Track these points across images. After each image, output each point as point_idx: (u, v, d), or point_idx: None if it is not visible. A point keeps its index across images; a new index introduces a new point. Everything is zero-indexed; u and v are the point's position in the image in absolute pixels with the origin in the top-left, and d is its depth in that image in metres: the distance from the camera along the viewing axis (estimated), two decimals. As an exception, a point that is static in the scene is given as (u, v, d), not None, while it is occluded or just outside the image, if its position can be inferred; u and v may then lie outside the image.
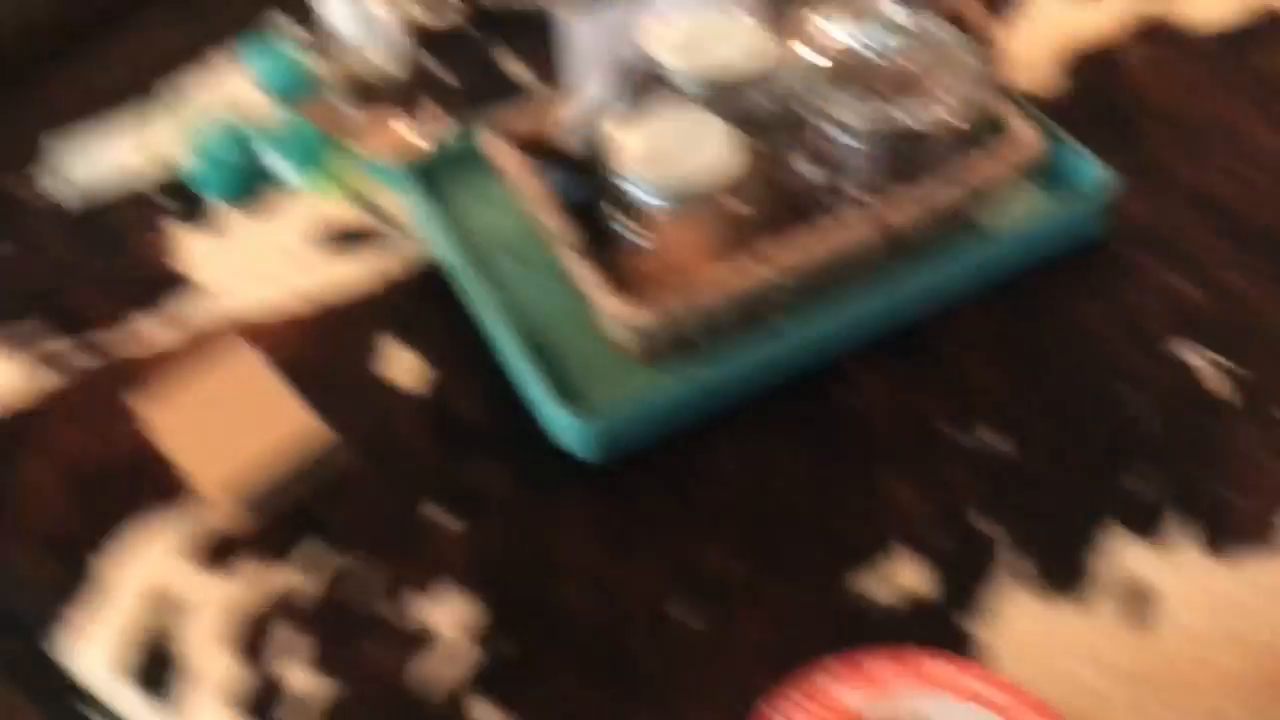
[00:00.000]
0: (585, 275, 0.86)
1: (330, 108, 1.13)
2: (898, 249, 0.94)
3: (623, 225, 0.87)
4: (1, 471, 0.91)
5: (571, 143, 0.94)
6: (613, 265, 0.87)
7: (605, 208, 0.87)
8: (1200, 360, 0.90)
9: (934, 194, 0.89)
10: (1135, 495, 0.83)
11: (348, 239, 1.05)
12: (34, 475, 0.90)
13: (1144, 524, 0.81)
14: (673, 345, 0.88)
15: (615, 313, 0.83)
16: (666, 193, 0.83)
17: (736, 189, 0.87)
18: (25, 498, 0.89)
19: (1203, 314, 0.94)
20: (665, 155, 0.84)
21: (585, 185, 0.91)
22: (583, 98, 0.94)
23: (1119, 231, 0.99)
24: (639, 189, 0.84)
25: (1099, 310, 0.94)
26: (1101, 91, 1.12)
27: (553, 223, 0.88)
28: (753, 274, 0.85)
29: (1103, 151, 0.99)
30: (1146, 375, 0.90)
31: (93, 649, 0.81)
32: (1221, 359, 0.90)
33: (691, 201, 0.85)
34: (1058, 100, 1.10)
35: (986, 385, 0.90)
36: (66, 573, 0.84)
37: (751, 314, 0.89)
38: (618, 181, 0.85)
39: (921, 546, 0.81)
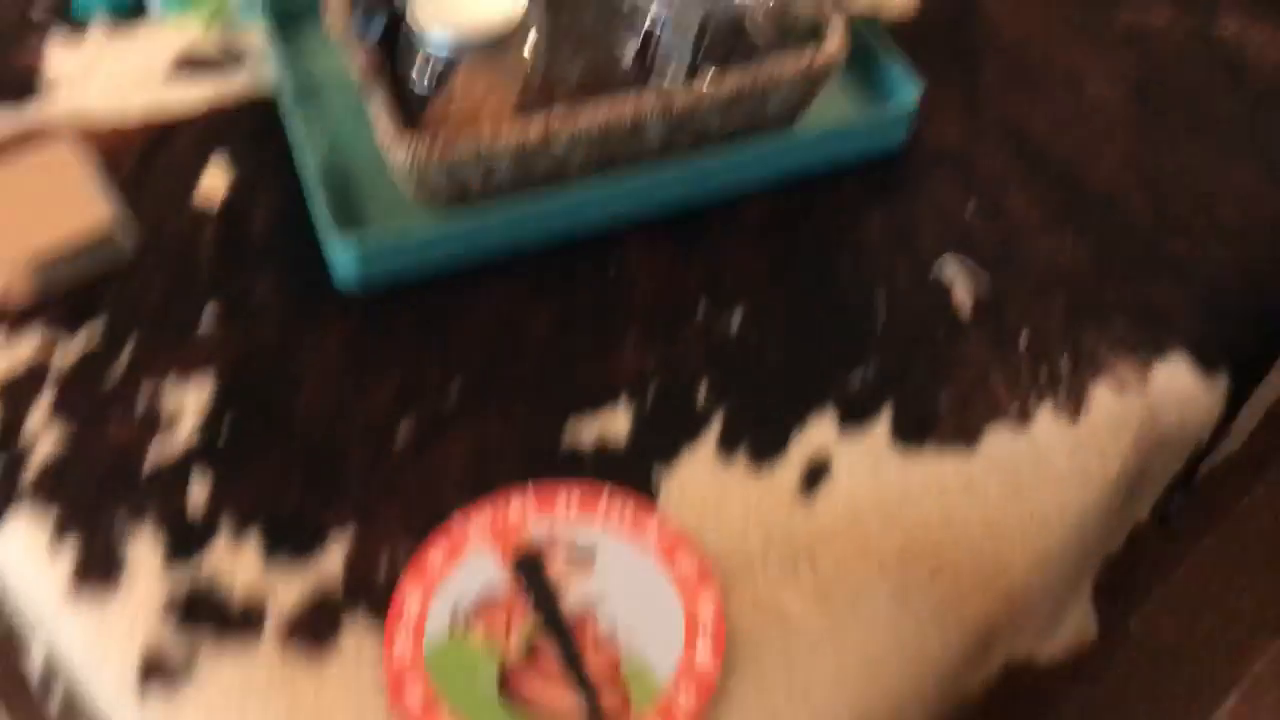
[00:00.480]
0: (377, 114, 0.90)
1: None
2: (695, 133, 0.98)
3: (418, 73, 0.91)
4: None
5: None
6: (410, 111, 0.92)
7: (403, 54, 0.92)
8: (957, 275, 0.94)
9: (726, 81, 0.93)
10: (854, 388, 0.87)
11: (203, 66, 1.10)
12: None
13: (852, 413, 0.85)
14: (452, 191, 0.93)
15: (392, 151, 0.88)
16: (451, 42, 0.88)
17: (532, 48, 0.91)
18: None
19: (973, 232, 0.97)
20: (455, 6, 0.88)
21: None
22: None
23: (924, 150, 1.02)
24: (427, 37, 0.88)
25: (879, 219, 0.98)
26: (954, 17, 1.14)
27: (353, 62, 0.93)
28: (531, 130, 0.89)
29: (935, 74, 1.02)
30: (904, 284, 0.93)
31: None
32: (978, 277, 0.94)
33: (480, 54, 0.89)
34: (907, 19, 1.13)
35: (751, 275, 0.94)
36: None
37: (531, 171, 0.93)
38: (413, 29, 0.90)
39: (639, 404, 0.86)
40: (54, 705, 0.86)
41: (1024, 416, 0.85)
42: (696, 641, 0.73)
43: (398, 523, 0.80)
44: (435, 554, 0.77)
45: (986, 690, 0.83)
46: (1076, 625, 0.90)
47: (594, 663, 0.73)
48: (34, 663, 0.84)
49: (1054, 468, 0.83)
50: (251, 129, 1.05)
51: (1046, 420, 0.85)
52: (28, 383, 0.88)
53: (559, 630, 0.74)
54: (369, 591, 0.77)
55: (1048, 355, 0.89)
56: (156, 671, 0.76)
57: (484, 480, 0.81)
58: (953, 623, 0.76)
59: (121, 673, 0.76)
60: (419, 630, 0.74)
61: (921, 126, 1.02)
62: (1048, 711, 0.89)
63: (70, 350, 0.90)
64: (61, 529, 0.81)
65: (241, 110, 1.06)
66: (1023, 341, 0.89)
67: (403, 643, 0.74)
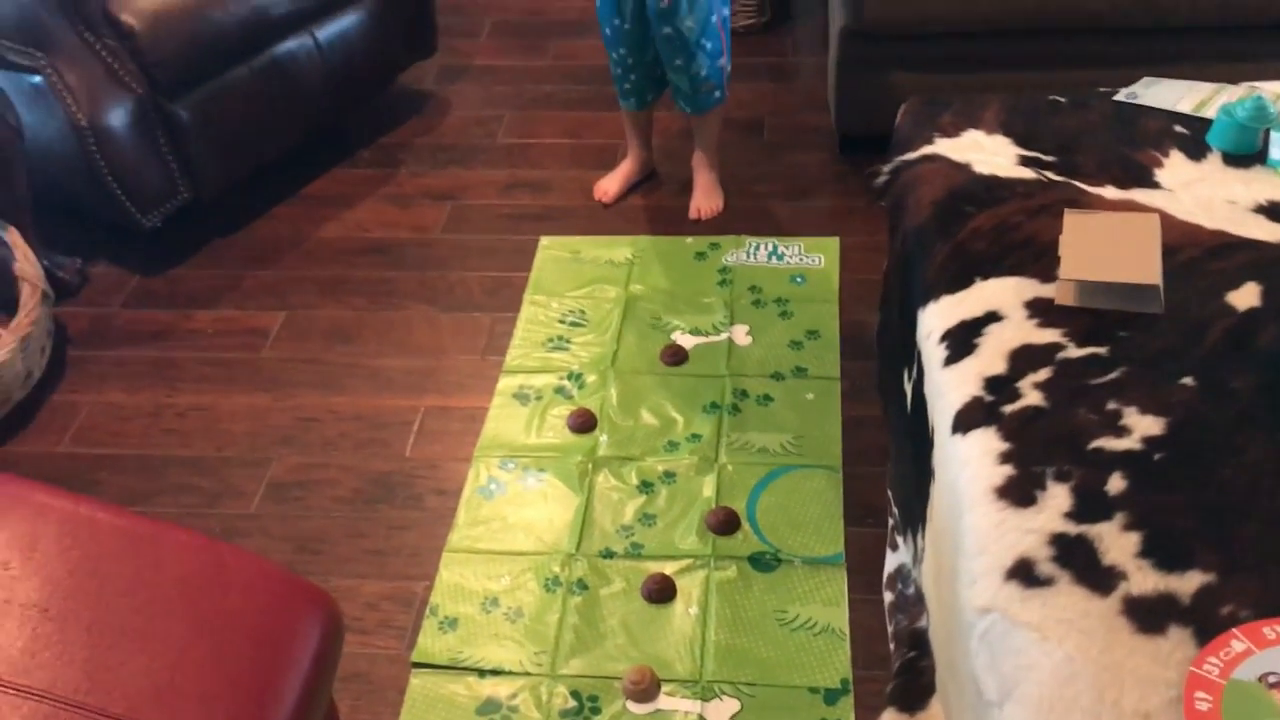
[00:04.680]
0: None
1: None
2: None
3: None
4: None
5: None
6: None
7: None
8: None
9: None
10: None
11: None
12: None
13: None
14: None
15: None
16: None
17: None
18: None
19: None
20: None
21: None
22: None
23: None
24: None
25: None
26: None
27: None
28: None
29: None
30: None
31: None
32: None
33: None
34: None
35: None
36: None
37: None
38: None
39: None
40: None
41: None
42: None
43: (1259, 587, 1.06)
44: (1275, 629, 0.94)
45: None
46: None
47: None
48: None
49: None
50: None
51: None
52: (1039, 355, 1.34)
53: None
54: (1204, 616, 1.04)
55: None
56: (1019, 573, 1.12)
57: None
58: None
59: (994, 561, 1.13)
60: (1231, 665, 1.00)
61: None
62: None
63: (1075, 351, 1.34)
64: (1007, 456, 1.24)
65: None
66: None
67: (1212, 666, 1.00)
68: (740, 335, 2.22)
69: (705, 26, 2.28)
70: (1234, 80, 1.83)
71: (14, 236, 2.23)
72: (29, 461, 2.05)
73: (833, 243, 2.42)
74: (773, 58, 3.04)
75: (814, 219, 2.49)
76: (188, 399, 2.18)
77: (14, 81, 2.22)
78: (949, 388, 1.38)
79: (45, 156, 2.31)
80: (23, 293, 2.17)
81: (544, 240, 2.50)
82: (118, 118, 2.26)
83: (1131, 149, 1.67)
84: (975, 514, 1.21)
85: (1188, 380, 1.30)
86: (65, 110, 2.21)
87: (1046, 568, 1.13)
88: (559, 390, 2.12)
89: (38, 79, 2.21)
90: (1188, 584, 1.09)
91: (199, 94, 2.39)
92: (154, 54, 2.29)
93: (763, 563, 1.79)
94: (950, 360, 1.41)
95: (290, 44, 2.53)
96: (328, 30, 2.60)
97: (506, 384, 2.14)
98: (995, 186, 1.63)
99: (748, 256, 2.41)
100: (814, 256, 2.39)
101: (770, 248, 2.43)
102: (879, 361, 1.89)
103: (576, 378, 2.14)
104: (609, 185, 2.61)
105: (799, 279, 2.34)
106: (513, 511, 1.90)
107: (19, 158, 2.25)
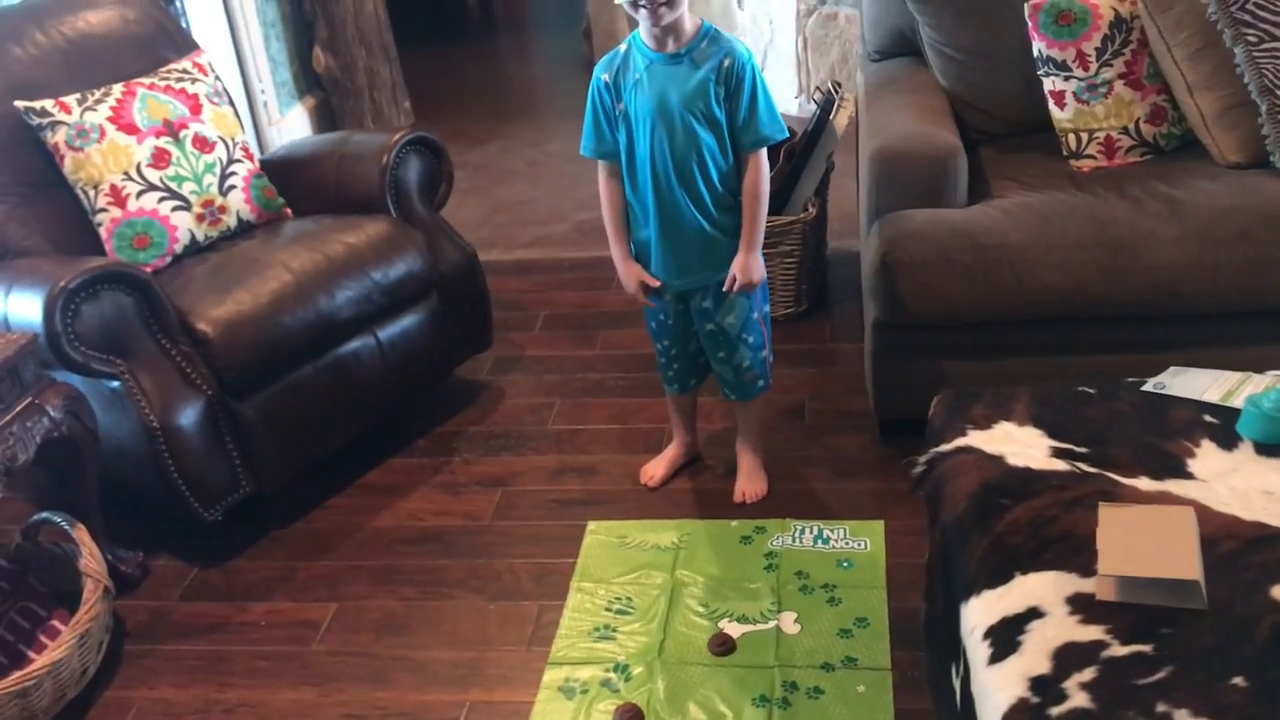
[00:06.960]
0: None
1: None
2: None
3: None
4: None
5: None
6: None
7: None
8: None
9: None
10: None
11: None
12: None
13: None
14: None
15: None
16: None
17: None
18: None
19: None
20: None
21: None
22: None
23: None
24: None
25: None
26: None
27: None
28: None
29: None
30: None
31: None
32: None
33: None
34: None
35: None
36: None
37: None
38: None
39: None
40: None
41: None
42: None
43: None
44: None
45: None
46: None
47: None
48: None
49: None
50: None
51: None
52: (1084, 653, 1.35)
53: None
54: None
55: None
56: None
57: None
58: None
59: None
60: None
61: None
62: None
63: (1120, 649, 1.34)
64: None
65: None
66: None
67: None
68: (788, 623, 2.21)
69: (746, 322, 2.40)
70: (1261, 365, 1.88)
71: (81, 533, 2.32)
72: (76, 762, 2.05)
73: (877, 526, 2.44)
74: (811, 344, 3.16)
75: (858, 502, 2.52)
76: (237, 694, 2.18)
77: (93, 386, 2.37)
78: (995, 688, 1.37)
79: (116, 454, 2.43)
80: (86, 588, 2.23)
81: (591, 525, 2.54)
82: (187, 418, 2.39)
83: (1162, 439, 1.71)
84: (1028, 824, 1.18)
85: (1238, 680, 1.27)
86: (139, 412, 2.35)
87: None
88: (605, 683, 2.10)
89: (116, 384, 2.36)
90: None
91: (265, 393, 2.53)
92: (225, 358, 2.44)
93: None
94: (994, 659, 1.40)
95: (354, 344, 2.69)
96: (390, 330, 2.76)
97: (552, 676, 2.13)
98: (1029, 479, 1.66)
99: (793, 540, 2.43)
100: (860, 540, 2.41)
101: (816, 531, 2.45)
102: (927, 653, 1.87)
103: (623, 669, 2.13)
104: (655, 469, 2.67)
105: (846, 563, 2.34)
106: (558, 815, 1.86)
107: (93, 458, 2.36)
